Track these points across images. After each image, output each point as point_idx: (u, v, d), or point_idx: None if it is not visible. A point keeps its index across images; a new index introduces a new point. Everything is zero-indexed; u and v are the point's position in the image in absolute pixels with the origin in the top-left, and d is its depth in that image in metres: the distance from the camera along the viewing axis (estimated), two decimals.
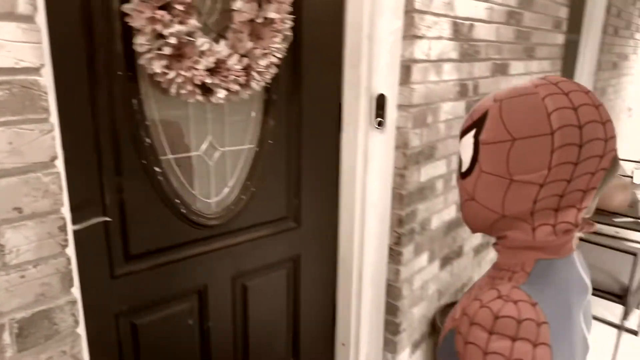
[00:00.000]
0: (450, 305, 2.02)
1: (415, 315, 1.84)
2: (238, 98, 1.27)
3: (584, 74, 3.91)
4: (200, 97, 1.17)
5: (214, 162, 1.40)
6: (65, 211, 0.76)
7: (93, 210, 1.13)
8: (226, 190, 1.44)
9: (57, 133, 0.71)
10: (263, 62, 1.26)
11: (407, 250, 1.68)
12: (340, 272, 1.76)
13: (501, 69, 2.04)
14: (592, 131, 0.61)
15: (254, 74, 1.26)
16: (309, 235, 1.68)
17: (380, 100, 1.54)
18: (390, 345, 1.77)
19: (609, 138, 0.62)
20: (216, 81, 1.17)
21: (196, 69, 1.12)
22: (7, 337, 0.71)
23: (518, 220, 0.66)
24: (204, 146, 1.36)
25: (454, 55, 1.70)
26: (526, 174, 0.62)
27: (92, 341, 1.16)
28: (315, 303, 1.77)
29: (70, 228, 0.73)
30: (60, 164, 0.74)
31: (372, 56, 1.51)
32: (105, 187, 1.15)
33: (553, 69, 2.55)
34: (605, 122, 0.62)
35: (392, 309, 1.73)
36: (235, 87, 1.22)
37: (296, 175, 1.58)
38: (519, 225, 0.66)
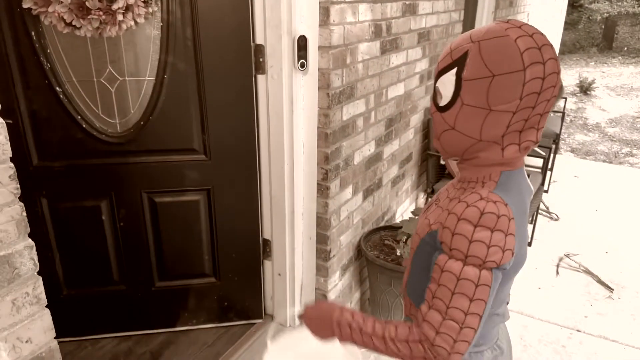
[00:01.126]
0: (373, 232, 2.23)
1: (343, 242, 2.02)
2: (113, 33, 1.51)
3: (485, 12, 4.19)
4: (67, 30, 1.49)
5: (115, 89, 1.67)
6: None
7: (9, 115, 1.57)
8: (129, 115, 1.71)
9: None
10: (121, 3, 1.46)
11: (334, 185, 1.82)
12: (273, 209, 1.87)
13: (411, 9, 2.16)
14: (551, 66, 0.75)
15: (122, 14, 1.48)
16: (221, 170, 1.81)
17: (302, 42, 1.60)
18: (322, 270, 1.95)
19: (559, 71, 0.76)
20: (75, 18, 1.47)
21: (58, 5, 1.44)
22: None
23: (490, 142, 0.79)
24: (105, 74, 1.64)
25: None
26: (503, 104, 0.74)
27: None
28: (235, 232, 1.93)
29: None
30: None
31: None
32: (19, 97, 1.59)
33: (457, 7, 2.73)
34: (557, 58, 0.77)
35: (322, 238, 1.89)
36: (96, 24, 1.48)
37: (200, 112, 1.72)
38: (491, 147, 0.80)
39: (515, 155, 0.81)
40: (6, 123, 1.58)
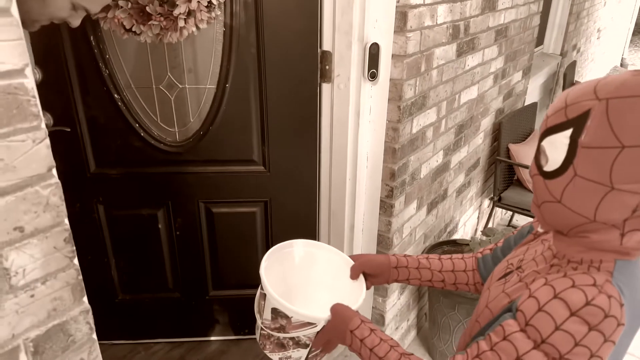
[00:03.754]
0: (435, 246, 2.09)
1: None
2: (173, 39, 1.39)
3: (560, 1, 3.83)
4: (127, 36, 1.38)
5: (174, 97, 1.59)
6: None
7: (68, 122, 1.55)
8: (189, 124, 1.63)
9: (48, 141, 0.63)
10: (182, 8, 1.33)
11: (398, 202, 1.69)
12: (332, 224, 1.76)
13: (490, 5, 1.95)
14: None
15: (183, 19, 1.35)
16: (280, 182, 1.72)
17: (374, 50, 1.45)
18: (380, 290, 1.84)
19: None
20: (135, 24, 1.35)
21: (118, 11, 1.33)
22: (23, 357, 0.67)
23: (607, 225, 0.63)
24: (164, 81, 1.56)
25: None
26: (632, 183, 0.59)
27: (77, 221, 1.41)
28: None
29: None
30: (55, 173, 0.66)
31: (365, 1, 1.39)
32: (77, 104, 1.54)
33: None
34: None
35: None
36: (156, 31, 1.36)
37: (261, 122, 1.62)
38: (607, 231, 0.64)
39: (639, 246, 0.64)
40: (65, 131, 1.56)
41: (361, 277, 0.96)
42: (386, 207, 1.69)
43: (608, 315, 0.60)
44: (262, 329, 0.89)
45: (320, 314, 0.83)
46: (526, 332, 0.64)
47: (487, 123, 2.37)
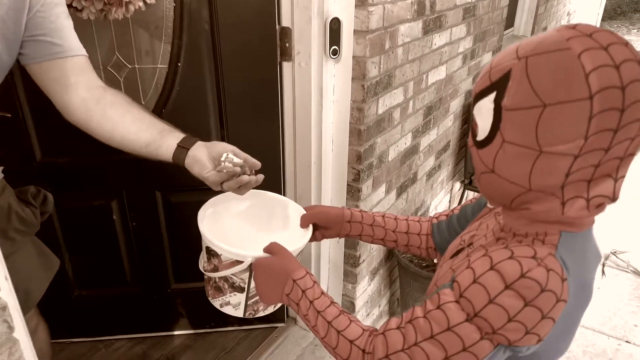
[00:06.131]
0: None
1: (374, 246, 1.84)
2: (119, 15, 1.27)
3: None
4: None
5: (123, 78, 1.46)
6: None
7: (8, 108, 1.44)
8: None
9: None
10: None
11: (366, 186, 1.63)
12: None
13: None
14: (635, 92, 0.52)
15: None
16: None
17: (335, 25, 1.38)
18: (350, 276, 1.79)
19: None
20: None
21: None
22: None
23: (545, 193, 0.59)
24: (112, 62, 1.43)
25: None
26: (559, 144, 0.54)
27: None
28: None
29: None
30: None
31: None
32: (18, 88, 1.41)
33: None
34: None
35: (351, 243, 1.72)
36: (99, 6, 1.24)
37: (218, 104, 1.51)
38: (546, 199, 0.59)
39: (582, 214, 0.59)
40: (5, 117, 1.44)
41: (310, 227, 0.94)
42: (353, 191, 1.63)
43: (545, 290, 0.56)
44: (203, 273, 0.88)
45: (247, 252, 0.80)
46: (460, 303, 0.61)
47: (456, 105, 2.32)
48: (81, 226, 1.67)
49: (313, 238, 0.96)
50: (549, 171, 0.56)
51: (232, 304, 0.87)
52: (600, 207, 0.60)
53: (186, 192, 1.65)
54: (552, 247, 0.60)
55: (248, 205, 1.02)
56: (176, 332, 1.90)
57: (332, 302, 0.74)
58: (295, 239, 0.92)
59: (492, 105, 0.58)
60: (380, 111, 1.59)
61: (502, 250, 0.60)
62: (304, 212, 0.96)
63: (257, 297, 0.84)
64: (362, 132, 1.52)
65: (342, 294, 1.84)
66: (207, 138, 1.57)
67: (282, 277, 0.77)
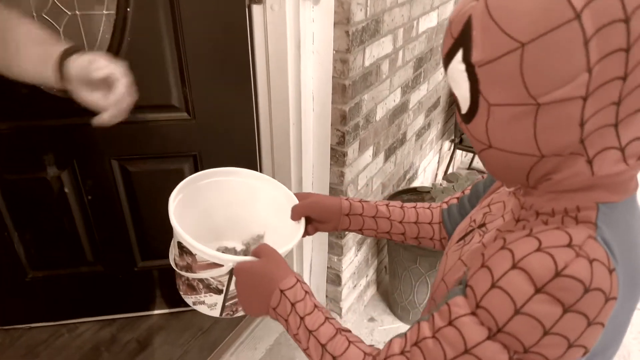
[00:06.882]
0: (395, 196, 1.89)
1: None
2: None
3: None
4: None
5: (63, 27, 1.24)
6: None
7: None
8: None
9: None
10: None
11: (352, 150, 1.45)
12: (277, 180, 1.51)
13: None
14: None
15: None
16: (209, 132, 1.43)
17: None
18: (335, 248, 1.64)
19: None
20: None
21: None
22: None
23: (563, 156, 0.45)
24: (48, 7, 1.21)
25: None
26: (557, 89, 0.41)
27: None
28: None
29: None
30: None
31: None
32: None
33: None
34: None
35: None
36: None
37: (177, 56, 1.29)
38: (567, 162, 0.45)
39: (619, 168, 0.44)
40: None
41: (302, 220, 0.80)
42: (338, 155, 1.45)
43: (590, 289, 0.42)
44: (174, 266, 0.76)
45: (227, 256, 0.67)
46: (477, 316, 0.47)
47: None
48: (28, 201, 1.47)
49: (305, 232, 0.81)
50: (556, 126, 0.43)
51: (207, 304, 0.75)
52: None
53: (146, 159, 1.45)
54: (591, 227, 0.45)
55: (225, 183, 0.86)
56: (147, 313, 1.75)
57: (327, 318, 0.60)
58: (289, 232, 0.80)
59: (462, 67, 0.46)
60: (367, 63, 1.38)
61: (525, 240, 0.45)
62: (294, 197, 0.82)
63: (237, 299, 0.72)
64: (346, 87, 1.32)
65: (328, 267, 1.70)
66: (166, 98, 1.37)
67: (268, 286, 0.63)
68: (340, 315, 1.81)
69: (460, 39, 0.45)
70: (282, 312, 0.62)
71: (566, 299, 0.42)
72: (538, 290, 0.42)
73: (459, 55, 0.46)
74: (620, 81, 0.41)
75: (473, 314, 0.47)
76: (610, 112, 0.42)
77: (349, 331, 0.60)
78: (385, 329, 1.89)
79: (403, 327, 1.89)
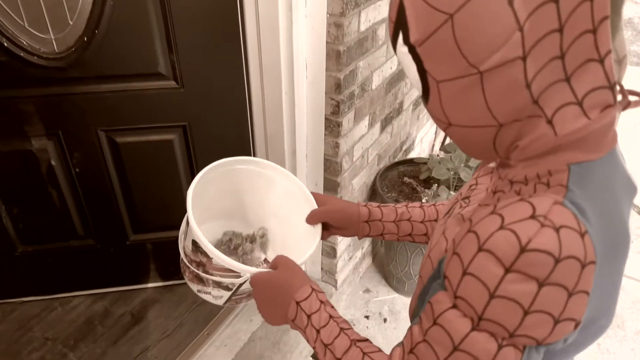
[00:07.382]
0: (390, 167, 1.86)
1: (356, 186, 1.66)
2: None
3: None
4: None
5: None
6: None
7: None
8: (68, 28, 1.21)
9: None
10: None
11: (347, 120, 1.40)
12: (270, 151, 1.48)
13: None
14: None
15: None
16: (198, 101, 1.38)
17: None
18: None
19: None
20: None
21: None
22: None
23: (521, 121, 0.45)
24: None
25: None
26: (493, 53, 0.41)
27: None
28: None
29: None
30: None
31: None
32: None
33: None
34: None
35: (331, 185, 1.52)
36: None
37: (164, 22, 1.23)
38: (527, 126, 0.45)
39: (581, 124, 0.43)
40: None
41: (319, 225, 0.80)
42: (332, 125, 1.40)
43: (561, 259, 0.40)
44: (183, 255, 0.77)
45: (245, 267, 0.68)
46: (458, 307, 0.46)
47: None
48: (15, 173, 1.43)
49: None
50: (504, 91, 0.43)
51: (213, 296, 0.75)
52: (607, 108, 0.43)
53: (134, 130, 1.40)
54: (560, 190, 0.43)
55: (244, 171, 0.86)
56: (141, 286, 1.74)
57: (342, 330, 0.61)
58: (302, 235, 0.80)
59: (405, 49, 0.47)
60: (362, 27, 1.32)
61: (488, 219, 0.43)
62: (311, 197, 0.81)
63: (244, 295, 0.74)
64: (341, 54, 1.27)
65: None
66: (154, 67, 1.31)
67: (284, 298, 0.64)
68: (335, 287, 1.80)
69: (398, 22, 0.46)
70: (300, 324, 0.63)
71: (538, 274, 0.40)
72: (507, 270, 0.41)
73: (400, 38, 0.47)
74: (557, 34, 0.40)
75: (454, 306, 0.46)
76: (557, 67, 0.42)
77: (365, 340, 0.60)
78: (381, 300, 1.89)
79: (398, 298, 1.89)
